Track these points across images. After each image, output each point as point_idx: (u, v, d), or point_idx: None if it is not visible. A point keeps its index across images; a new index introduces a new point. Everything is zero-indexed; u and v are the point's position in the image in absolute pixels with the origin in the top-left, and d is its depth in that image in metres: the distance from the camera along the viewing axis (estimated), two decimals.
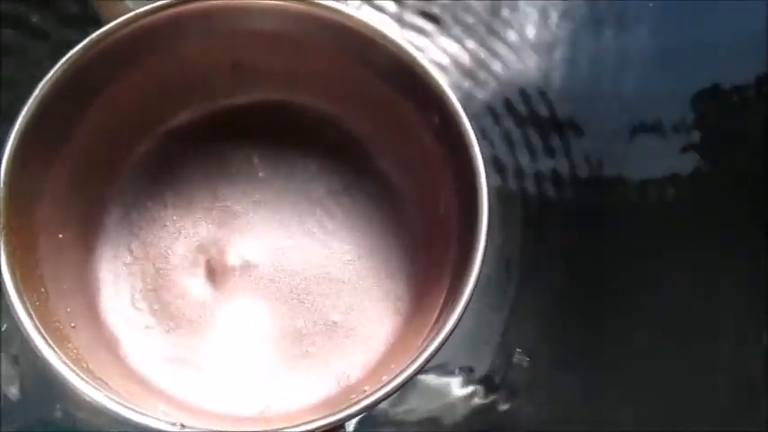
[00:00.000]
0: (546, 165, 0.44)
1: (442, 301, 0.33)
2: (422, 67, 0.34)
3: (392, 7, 0.47)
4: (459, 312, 0.30)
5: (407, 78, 0.35)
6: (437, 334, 0.30)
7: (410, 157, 0.38)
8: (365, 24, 0.35)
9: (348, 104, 0.39)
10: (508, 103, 0.45)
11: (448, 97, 0.34)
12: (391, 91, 0.36)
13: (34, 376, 0.38)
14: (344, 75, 0.37)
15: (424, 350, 0.29)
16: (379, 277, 0.37)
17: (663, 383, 0.40)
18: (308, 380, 0.35)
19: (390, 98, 0.36)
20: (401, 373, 0.29)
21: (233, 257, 0.37)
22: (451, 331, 0.30)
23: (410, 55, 0.34)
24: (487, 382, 0.40)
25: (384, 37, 0.35)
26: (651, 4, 0.48)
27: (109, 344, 0.35)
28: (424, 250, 0.37)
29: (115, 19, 0.33)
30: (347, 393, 0.34)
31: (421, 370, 0.29)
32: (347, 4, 0.36)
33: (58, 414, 0.37)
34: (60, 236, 0.34)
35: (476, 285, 0.31)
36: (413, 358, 0.30)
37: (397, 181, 0.39)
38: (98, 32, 0.33)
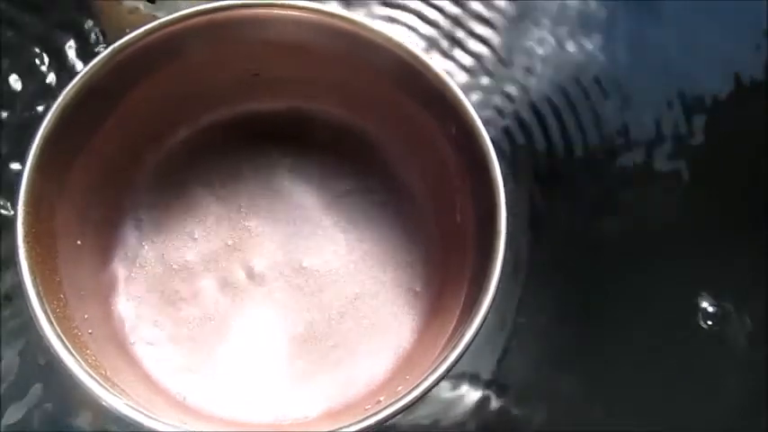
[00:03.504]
0: (550, 162, 0.45)
1: (459, 309, 0.33)
2: (438, 77, 0.34)
3: None
4: (478, 322, 0.30)
5: (424, 88, 0.35)
6: (457, 343, 0.30)
7: (427, 165, 0.38)
8: (381, 34, 0.35)
9: (365, 112, 0.39)
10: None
11: (465, 107, 0.34)
12: (408, 100, 0.36)
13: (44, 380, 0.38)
14: (361, 83, 0.37)
15: (445, 360, 0.29)
16: (396, 285, 0.37)
17: (663, 383, 0.40)
18: (323, 388, 0.35)
19: (407, 107, 0.36)
20: (421, 383, 0.29)
21: (248, 264, 0.37)
22: (472, 340, 0.30)
23: (426, 65, 0.34)
24: (486, 383, 0.40)
25: (400, 47, 0.35)
26: None
27: (124, 351, 0.35)
28: (441, 258, 0.37)
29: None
30: (362, 403, 0.34)
31: (441, 380, 0.29)
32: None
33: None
34: (78, 242, 0.34)
35: (495, 297, 0.31)
36: (432, 368, 0.29)
37: (414, 189, 0.39)
38: (119, 42, 0.33)
